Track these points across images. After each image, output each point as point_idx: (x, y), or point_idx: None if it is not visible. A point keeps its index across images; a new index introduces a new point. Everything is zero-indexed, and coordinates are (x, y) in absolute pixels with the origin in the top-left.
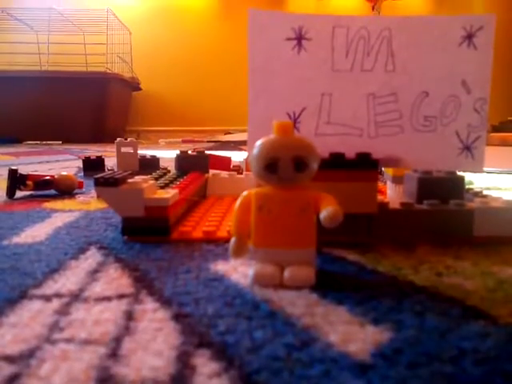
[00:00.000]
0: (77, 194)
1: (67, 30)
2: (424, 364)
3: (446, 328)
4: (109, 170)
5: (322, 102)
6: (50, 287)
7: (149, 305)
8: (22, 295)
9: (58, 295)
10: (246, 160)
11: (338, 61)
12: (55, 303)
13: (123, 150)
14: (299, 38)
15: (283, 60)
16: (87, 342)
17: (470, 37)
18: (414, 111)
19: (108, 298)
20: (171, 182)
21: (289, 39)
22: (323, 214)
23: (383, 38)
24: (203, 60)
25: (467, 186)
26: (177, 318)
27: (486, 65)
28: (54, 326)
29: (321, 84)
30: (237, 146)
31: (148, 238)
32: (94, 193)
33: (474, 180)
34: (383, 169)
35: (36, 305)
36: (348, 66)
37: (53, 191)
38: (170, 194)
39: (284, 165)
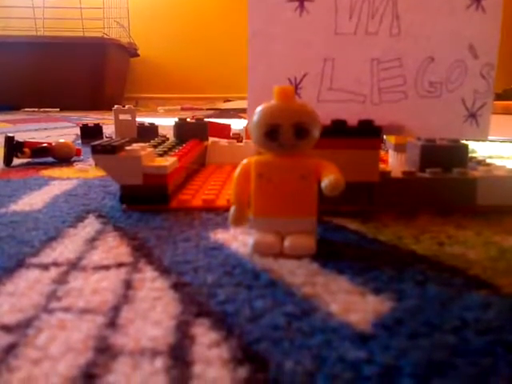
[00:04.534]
0: (74, 161)
1: None
2: (425, 334)
3: (448, 298)
4: (107, 137)
5: (324, 67)
6: (47, 256)
7: (148, 274)
8: (20, 264)
9: (55, 264)
10: (246, 128)
11: (342, 23)
12: (53, 272)
13: (121, 117)
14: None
15: (284, 23)
16: (85, 312)
17: None
18: (418, 77)
19: (106, 267)
20: (170, 149)
21: (290, 0)
22: (325, 183)
23: None
24: (203, 25)
25: (470, 155)
26: (176, 286)
27: (494, 29)
28: (52, 295)
29: (323, 48)
30: (236, 113)
31: (147, 206)
32: (91, 160)
33: (477, 148)
34: (385, 137)
35: (33, 273)
36: (352, 29)
37: (50, 159)
38: (168, 161)
39: (284, 131)
